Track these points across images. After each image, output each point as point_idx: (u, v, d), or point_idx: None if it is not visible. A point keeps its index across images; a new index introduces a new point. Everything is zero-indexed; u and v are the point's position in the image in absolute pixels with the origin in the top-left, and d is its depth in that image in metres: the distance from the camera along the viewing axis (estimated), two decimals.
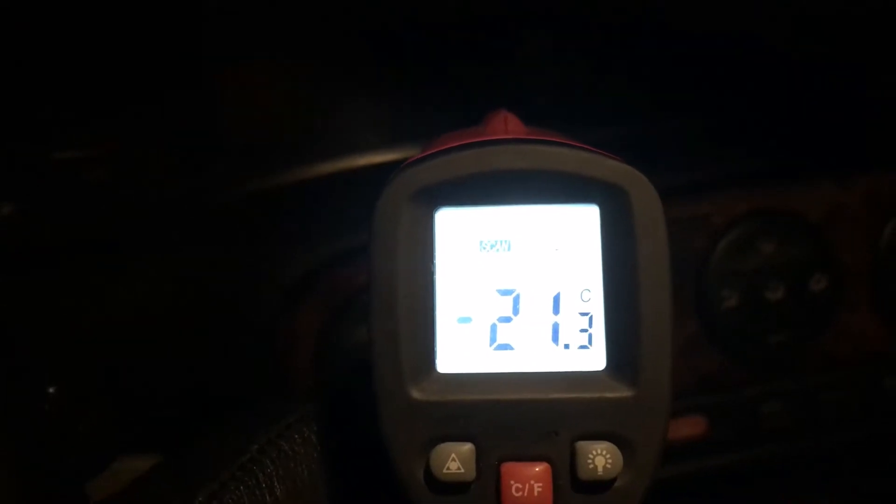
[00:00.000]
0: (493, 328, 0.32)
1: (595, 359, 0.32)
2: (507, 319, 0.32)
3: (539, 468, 0.30)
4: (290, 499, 0.33)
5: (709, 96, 0.62)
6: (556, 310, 0.32)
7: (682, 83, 0.61)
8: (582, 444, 0.30)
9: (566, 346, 0.32)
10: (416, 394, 0.31)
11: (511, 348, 0.32)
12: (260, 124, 0.59)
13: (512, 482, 0.30)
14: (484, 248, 0.32)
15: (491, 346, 0.32)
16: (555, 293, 0.32)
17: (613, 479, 0.30)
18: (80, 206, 0.55)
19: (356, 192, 0.56)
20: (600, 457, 0.30)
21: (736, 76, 0.61)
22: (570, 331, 0.32)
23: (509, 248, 0.32)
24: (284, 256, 0.56)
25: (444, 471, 0.30)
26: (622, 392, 0.31)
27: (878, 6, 0.52)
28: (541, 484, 0.30)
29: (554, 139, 0.32)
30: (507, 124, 0.36)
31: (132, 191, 0.56)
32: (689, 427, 0.58)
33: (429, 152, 0.32)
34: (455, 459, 0.30)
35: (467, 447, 0.30)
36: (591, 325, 0.32)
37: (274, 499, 0.32)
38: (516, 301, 0.32)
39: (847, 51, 0.58)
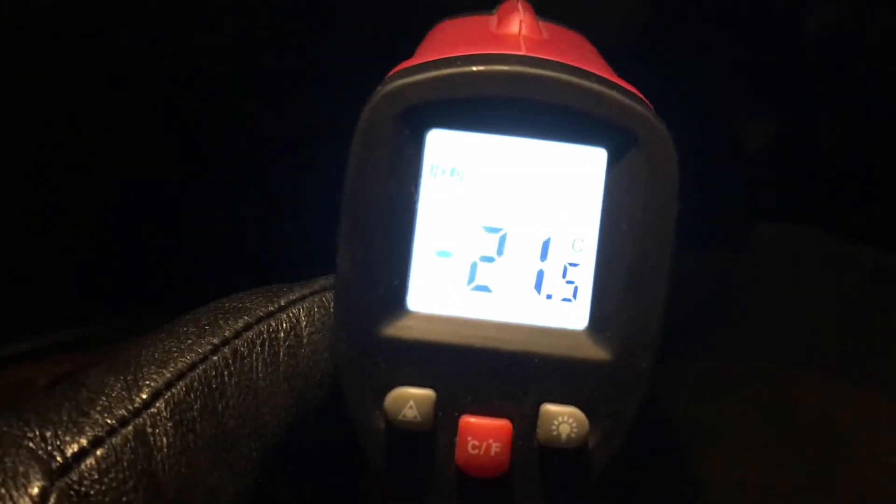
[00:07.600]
0: (474, 266, 0.30)
1: (577, 315, 0.29)
2: (490, 259, 0.30)
3: (499, 426, 0.28)
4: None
5: None
6: (543, 256, 0.30)
7: None
8: (548, 408, 0.28)
9: (549, 297, 0.30)
10: (380, 330, 0.28)
11: (489, 291, 0.30)
12: None
13: (469, 439, 0.28)
14: (474, 179, 0.29)
15: (468, 285, 0.30)
16: (545, 237, 0.30)
17: (577, 448, 0.28)
18: None
19: None
20: (565, 424, 0.28)
21: None
22: (556, 280, 0.30)
23: (501, 183, 0.29)
24: None
25: (401, 417, 0.28)
26: (600, 356, 0.28)
27: None
28: (499, 444, 0.28)
29: (567, 60, 0.29)
30: (520, 25, 0.32)
31: None
32: None
33: (422, 60, 0.29)
34: (413, 407, 0.28)
35: (427, 394, 0.28)
36: (578, 277, 0.29)
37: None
38: (502, 241, 0.30)
39: None
